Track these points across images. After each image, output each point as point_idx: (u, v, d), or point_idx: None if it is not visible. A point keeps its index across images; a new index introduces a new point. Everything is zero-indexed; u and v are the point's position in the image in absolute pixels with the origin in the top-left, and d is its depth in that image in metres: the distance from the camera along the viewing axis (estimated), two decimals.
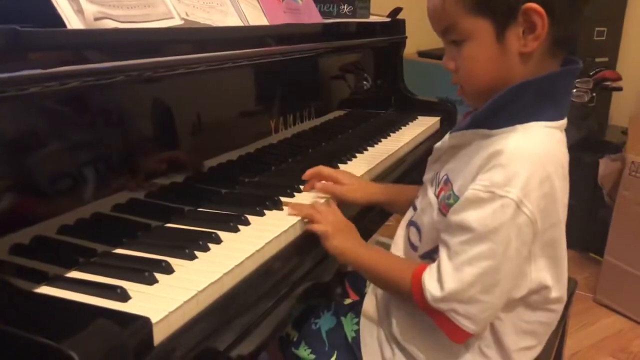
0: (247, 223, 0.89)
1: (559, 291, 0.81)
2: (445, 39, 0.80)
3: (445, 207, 0.79)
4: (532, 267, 0.76)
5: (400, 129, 1.61)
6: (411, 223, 0.90)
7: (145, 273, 0.70)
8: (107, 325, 0.57)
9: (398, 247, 0.93)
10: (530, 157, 0.72)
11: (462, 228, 0.73)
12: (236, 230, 0.87)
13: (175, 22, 0.92)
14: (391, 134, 1.54)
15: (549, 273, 0.78)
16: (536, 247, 0.75)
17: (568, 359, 1.79)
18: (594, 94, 2.49)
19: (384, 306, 0.91)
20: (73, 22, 0.76)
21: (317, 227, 0.89)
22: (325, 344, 0.95)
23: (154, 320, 0.61)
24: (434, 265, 0.76)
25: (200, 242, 0.80)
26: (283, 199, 0.99)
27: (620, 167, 2.04)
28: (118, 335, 0.57)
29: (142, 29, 0.86)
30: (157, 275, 0.71)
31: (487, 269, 0.71)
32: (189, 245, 0.78)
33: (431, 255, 0.83)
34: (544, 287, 0.78)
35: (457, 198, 0.76)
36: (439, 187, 0.83)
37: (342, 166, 1.24)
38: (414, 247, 0.88)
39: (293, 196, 1.03)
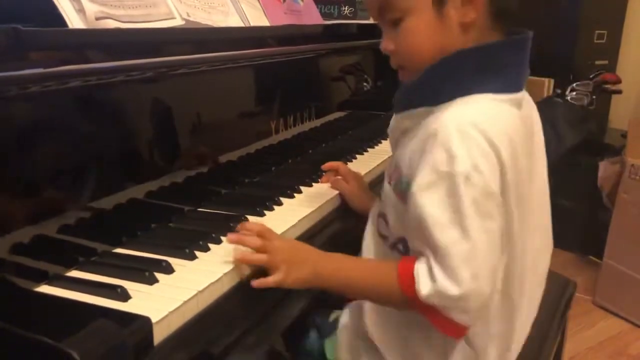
0: None
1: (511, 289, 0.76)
2: (382, 19, 0.78)
3: (400, 195, 0.76)
4: (515, 226, 0.72)
5: None
6: (380, 214, 0.86)
7: (145, 273, 0.70)
8: (107, 325, 0.57)
9: (367, 240, 0.88)
10: (466, 123, 0.68)
11: (425, 220, 0.68)
12: (236, 230, 0.87)
13: (177, 22, 0.92)
14: None
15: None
16: (511, 205, 0.71)
17: None
18: (594, 97, 2.49)
19: (358, 309, 0.87)
20: (74, 21, 0.76)
21: (253, 259, 0.77)
22: None
23: (154, 319, 0.61)
24: (422, 261, 0.71)
25: (201, 242, 0.80)
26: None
27: (620, 170, 2.04)
28: (118, 334, 0.57)
29: (144, 29, 0.86)
30: (158, 275, 0.71)
31: (467, 254, 0.67)
32: (189, 245, 0.79)
33: (396, 245, 0.80)
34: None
35: (407, 181, 0.73)
36: (390, 174, 0.80)
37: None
38: (384, 238, 0.84)
39: (293, 197, 1.03)
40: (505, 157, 0.68)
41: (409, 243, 0.76)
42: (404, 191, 0.74)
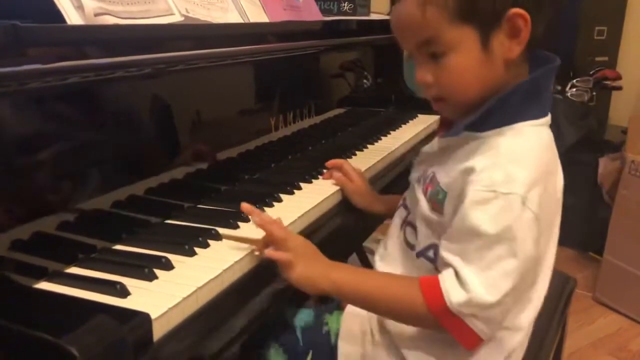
0: (246, 220, 0.89)
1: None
2: (421, 51, 0.76)
3: (435, 204, 0.78)
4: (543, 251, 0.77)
5: (400, 127, 1.61)
6: (407, 223, 0.88)
7: (144, 269, 0.70)
8: (106, 321, 0.57)
9: (391, 249, 0.89)
10: (525, 155, 0.72)
11: (473, 232, 0.70)
12: (236, 227, 0.87)
13: (176, 18, 0.92)
14: (391, 132, 1.54)
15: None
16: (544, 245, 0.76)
17: (567, 357, 1.79)
18: (594, 93, 2.49)
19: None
20: (73, 17, 0.75)
21: (277, 255, 0.77)
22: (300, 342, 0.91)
23: (153, 316, 0.61)
24: (449, 272, 0.72)
25: (200, 239, 0.80)
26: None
27: (620, 166, 2.04)
28: (117, 330, 0.57)
29: (142, 25, 0.85)
30: (157, 272, 0.71)
31: (510, 270, 0.70)
32: (189, 242, 0.78)
33: (425, 253, 0.81)
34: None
35: (445, 193, 0.76)
36: (425, 184, 0.82)
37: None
38: (411, 246, 0.85)
39: (293, 193, 1.03)
40: (550, 183, 0.74)
41: (440, 251, 0.75)
42: (440, 201, 0.76)
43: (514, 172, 0.70)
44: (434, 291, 0.72)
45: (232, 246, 0.80)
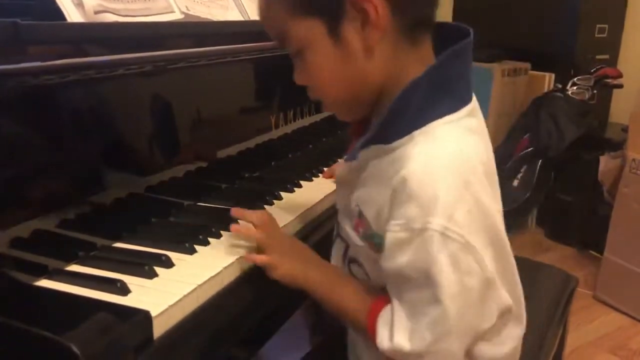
0: None
1: (516, 308, 0.70)
2: (288, 51, 0.70)
3: (374, 247, 0.69)
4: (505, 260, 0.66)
5: None
6: (350, 260, 0.77)
7: (145, 267, 0.70)
8: (107, 318, 0.57)
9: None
10: (439, 172, 0.61)
11: (400, 275, 0.63)
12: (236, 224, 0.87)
13: (176, 16, 0.92)
14: None
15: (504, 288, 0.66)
16: (493, 271, 0.63)
17: (567, 355, 1.79)
18: (595, 91, 2.48)
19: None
20: (73, 15, 0.75)
21: (259, 259, 0.75)
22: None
23: (153, 313, 0.61)
24: (386, 311, 0.67)
25: (200, 236, 0.80)
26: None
27: (621, 164, 2.04)
28: (118, 328, 0.57)
29: (142, 22, 0.85)
30: (157, 269, 0.71)
31: (436, 318, 0.61)
32: (189, 240, 0.78)
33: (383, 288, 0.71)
34: (507, 309, 0.67)
35: (380, 236, 0.65)
36: (354, 219, 0.72)
37: (342, 162, 1.24)
38: (364, 282, 0.76)
39: (293, 191, 1.03)
40: (479, 190, 0.62)
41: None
42: (379, 244, 0.66)
43: (429, 197, 0.60)
44: (372, 326, 0.68)
45: (233, 244, 0.80)
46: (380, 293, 0.70)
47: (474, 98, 0.69)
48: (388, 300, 0.67)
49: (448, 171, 0.61)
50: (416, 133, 0.63)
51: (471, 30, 0.67)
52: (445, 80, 0.65)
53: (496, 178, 0.70)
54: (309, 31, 0.65)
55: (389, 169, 0.64)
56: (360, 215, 0.70)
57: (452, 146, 0.63)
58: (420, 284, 0.61)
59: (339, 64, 0.65)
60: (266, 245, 0.77)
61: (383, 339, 0.65)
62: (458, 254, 0.60)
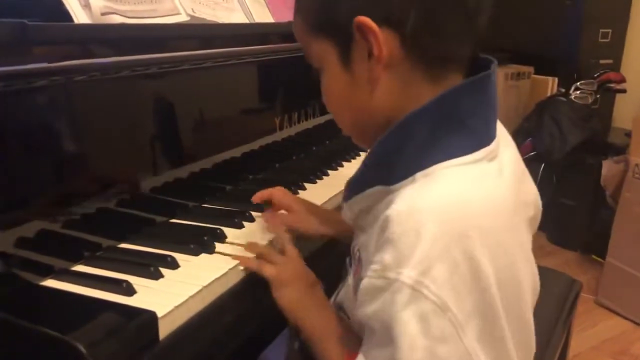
0: (251, 219, 0.89)
1: None
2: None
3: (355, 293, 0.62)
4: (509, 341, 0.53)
5: None
6: (337, 306, 0.74)
7: (150, 268, 0.70)
8: (113, 318, 0.57)
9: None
10: (426, 217, 0.51)
11: (366, 327, 0.56)
12: (240, 226, 0.87)
13: (182, 18, 0.93)
14: None
15: None
16: (473, 344, 0.51)
17: None
18: (598, 96, 2.49)
19: None
20: (80, 16, 0.76)
21: (267, 270, 0.72)
22: None
23: (159, 314, 0.61)
24: None
25: (206, 238, 0.80)
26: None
27: (624, 169, 2.04)
28: (124, 328, 0.57)
29: (149, 24, 0.86)
30: (163, 270, 0.71)
31: None
32: (194, 241, 0.79)
33: None
34: None
35: None
36: (355, 265, 0.66)
37: (345, 164, 1.24)
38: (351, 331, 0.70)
39: (297, 193, 1.03)
40: (480, 252, 0.51)
41: None
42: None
43: (407, 244, 0.51)
44: None
45: (238, 246, 0.80)
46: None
47: (499, 139, 0.59)
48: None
49: (437, 217, 0.51)
50: (418, 175, 0.55)
51: (495, 62, 0.60)
52: (453, 115, 0.56)
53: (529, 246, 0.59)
54: (324, 52, 0.61)
55: (382, 211, 0.56)
56: (360, 260, 0.64)
57: (451, 189, 0.53)
58: (382, 341, 0.53)
59: (347, 90, 0.61)
60: (283, 265, 0.74)
61: None
62: (429, 315, 0.50)
